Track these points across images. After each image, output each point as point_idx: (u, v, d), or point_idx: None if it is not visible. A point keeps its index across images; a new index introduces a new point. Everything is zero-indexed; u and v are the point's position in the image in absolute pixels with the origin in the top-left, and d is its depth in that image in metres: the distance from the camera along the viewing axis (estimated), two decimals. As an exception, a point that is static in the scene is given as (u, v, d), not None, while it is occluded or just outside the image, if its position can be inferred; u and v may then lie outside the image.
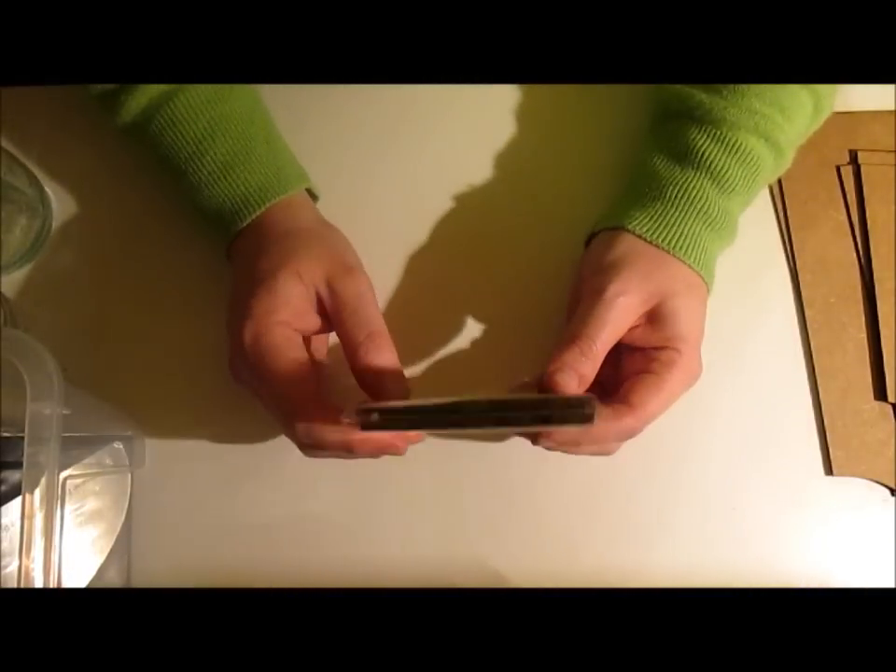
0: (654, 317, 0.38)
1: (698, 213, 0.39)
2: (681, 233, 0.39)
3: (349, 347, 0.36)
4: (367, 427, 0.30)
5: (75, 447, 0.41)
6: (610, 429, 0.36)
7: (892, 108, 0.48)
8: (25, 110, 0.48)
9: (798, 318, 0.46)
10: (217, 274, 0.44)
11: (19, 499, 0.30)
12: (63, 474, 0.40)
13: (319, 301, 0.38)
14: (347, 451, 0.35)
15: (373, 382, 0.36)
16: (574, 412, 0.30)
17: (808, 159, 0.47)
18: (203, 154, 0.40)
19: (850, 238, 0.47)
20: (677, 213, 0.39)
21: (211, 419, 0.44)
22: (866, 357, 0.45)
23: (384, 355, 0.36)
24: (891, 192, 0.47)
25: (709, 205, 0.40)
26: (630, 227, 0.39)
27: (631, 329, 0.38)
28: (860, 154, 0.48)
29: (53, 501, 0.30)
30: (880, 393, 0.44)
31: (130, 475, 0.43)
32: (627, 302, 0.37)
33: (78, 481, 0.41)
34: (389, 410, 0.31)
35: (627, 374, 0.38)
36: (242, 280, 0.39)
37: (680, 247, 0.39)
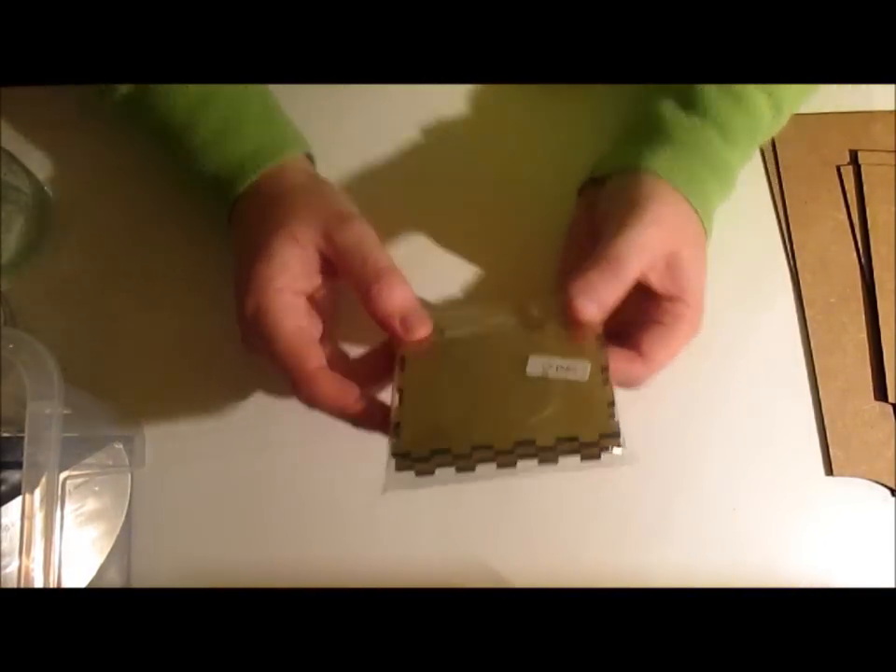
0: (670, 265, 0.37)
1: (704, 159, 0.40)
2: (690, 178, 0.39)
3: (362, 293, 0.35)
4: (401, 469, 0.33)
5: (75, 447, 0.41)
6: (618, 371, 0.35)
7: (892, 108, 0.48)
8: (25, 110, 0.48)
9: (798, 318, 0.46)
10: (217, 274, 0.44)
11: (19, 499, 0.30)
12: (63, 474, 0.40)
13: (323, 258, 0.37)
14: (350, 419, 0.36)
15: (396, 325, 0.35)
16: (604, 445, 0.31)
17: (808, 159, 0.47)
18: (196, 122, 0.40)
19: (850, 238, 0.47)
20: (687, 157, 0.39)
21: (211, 419, 0.44)
22: (866, 357, 0.45)
23: (397, 292, 0.35)
24: (891, 192, 0.47)
25: (714, 153, 0.40)
26: (654, 167, 0.39)
27: (649, 271, 0.37)
28: (860, 154, 0.48)
29: (53, 501, 0.30)
30: (880, 393, 0.44)
31: (130, 475, 0.43)
32: (659, 234, 0.36)
33: (78, 481, 0.41)
34: (419, 457, 0.33)
35: (635, 321, 0.37)
36: (241, 250, 0.39)
37: (692, 193, 0.38)
